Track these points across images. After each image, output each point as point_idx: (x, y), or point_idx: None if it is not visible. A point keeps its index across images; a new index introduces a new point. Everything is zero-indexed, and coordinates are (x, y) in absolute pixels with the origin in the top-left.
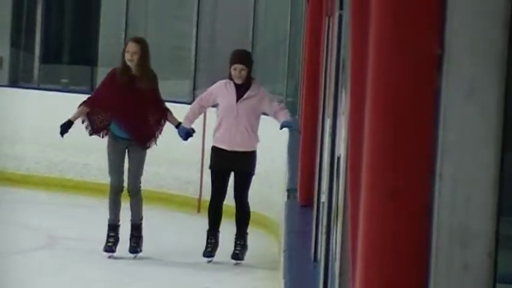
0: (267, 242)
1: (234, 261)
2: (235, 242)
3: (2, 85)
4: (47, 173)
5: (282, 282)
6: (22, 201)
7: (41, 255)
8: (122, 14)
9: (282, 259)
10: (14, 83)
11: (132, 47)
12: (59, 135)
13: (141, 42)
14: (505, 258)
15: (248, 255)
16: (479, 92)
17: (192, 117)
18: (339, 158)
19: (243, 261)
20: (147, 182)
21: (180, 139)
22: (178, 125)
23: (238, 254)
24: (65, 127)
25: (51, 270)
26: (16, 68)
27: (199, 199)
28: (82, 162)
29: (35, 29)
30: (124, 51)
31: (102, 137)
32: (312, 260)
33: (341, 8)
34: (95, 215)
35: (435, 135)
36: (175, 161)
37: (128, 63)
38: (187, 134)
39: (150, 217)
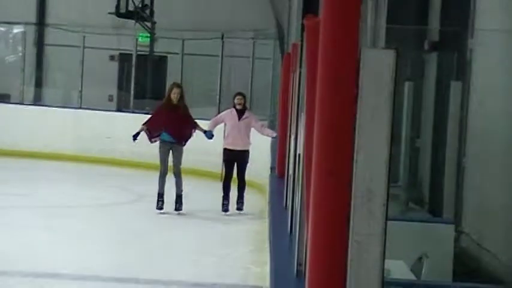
0: (258, 198)
1: (237, 212)
2: (237, 201)
3: (112, 110)
4: (136, 158)
5: (267, 220)
6: (124, 175)
7: (137, 205)
8: (178, 70)
9: (267, 208)
10: (119, 110)
11: (176, 89)
12: (132, 140)
13: (180, 87)
14: (389, 206)
15: (246, 205)
16: (378, 115)
17: (212, 127)
18: (299, 154)
19: (242, 211)
20: (194, 164)
21: (207, 140)
22: (205, 132)
23: (240, 207)
24: (135, 136)
25: (139, 216)
26: (120, 101)
27: (222, 173)
28: (155, 152)
29: (131, 79)
30: (170, 92)
31: (152, 142)
32: (284, 206)
33: (300, 66)
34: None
35: (354, 139)
36: (209, 153)
37: (173, 98)
38: (211, 136)
39: (194, 183)
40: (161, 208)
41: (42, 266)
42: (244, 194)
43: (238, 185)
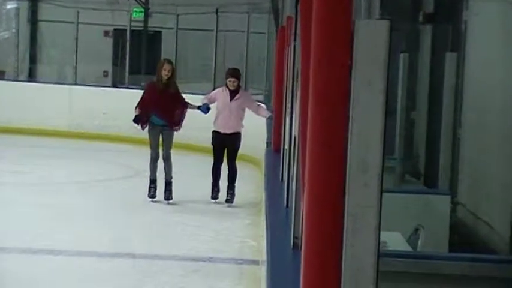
0: (255, 171)
1: (226, 204)
2: (227, 192)
3: (107, 86)
4: (133, 134)
5: (264, 193)
6: (120, 150)
7: (133, 181)
8: (173, 45)
9: (263, 180)
10: (114, 85)
11: (167, 65)
12: (137, 125)
13: (172, 63)
14: (385, 179)
15: (243, 178)
16: (372, 86)
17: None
18: (295, 136)
19: (232, 204)
20: (191, 140)
21: (204, 115)
22: (199, 107)
23: (229, 199)
24: (136, 120)
25: (135, 192)
26: (115, 77)
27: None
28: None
29: (126, 54)
30: (161, 68)
31: (144, 128)
32: (280, 180)
33: (294, 40)
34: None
35: (349, 109)
36: (204, 130)
37: (163, 75)
38: (207, 108)
39: (187, 158)
40: (153, 196)
41: (38, 243)
42: (235, 184)
43: (229, 174)
